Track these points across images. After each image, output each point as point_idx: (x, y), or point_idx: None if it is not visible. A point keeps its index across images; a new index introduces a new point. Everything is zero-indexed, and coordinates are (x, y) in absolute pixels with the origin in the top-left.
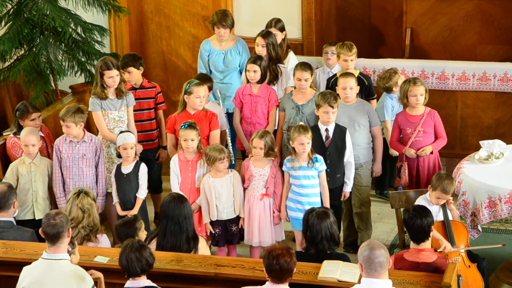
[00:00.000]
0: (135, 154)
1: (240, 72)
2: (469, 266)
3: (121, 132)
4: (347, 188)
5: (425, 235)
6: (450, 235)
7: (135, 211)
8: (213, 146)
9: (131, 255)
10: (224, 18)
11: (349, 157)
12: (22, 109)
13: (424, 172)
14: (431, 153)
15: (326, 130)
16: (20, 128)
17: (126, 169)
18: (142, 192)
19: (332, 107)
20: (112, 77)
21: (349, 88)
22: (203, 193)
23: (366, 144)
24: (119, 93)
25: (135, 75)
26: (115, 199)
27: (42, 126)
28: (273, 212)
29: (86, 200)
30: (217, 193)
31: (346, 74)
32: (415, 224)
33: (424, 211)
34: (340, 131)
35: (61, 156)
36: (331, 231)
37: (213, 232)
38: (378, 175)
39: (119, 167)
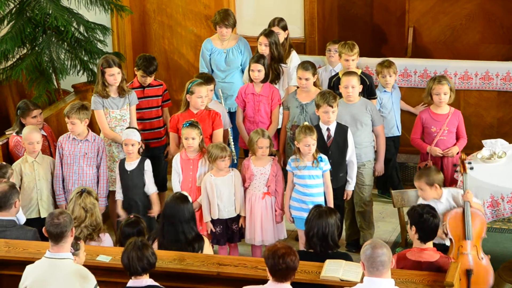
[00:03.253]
0: (139, 151)
1: (242, 71)
2: (483, 258)
3: (127, 128)
4: (350, 187)
5: (435, 235)
6: (468, 226)
7: (156, 209)
8: (215, 144)
9: (133, 254)
10: (226, 18)
11: (351, 155)
12: (23, 107)
13: (448, 171)
14: (457, 153)
15: (328, 129)
16: (22, 126)
17: (130, 165)
18: (152, 187)
19: (332, 106)
20: (113, 74)
21: (351, 86)
22: (204, 191)
23: (368, 143)
24: (121, 92)
25: (153, 78)
26: (118, 196)
27: (45, 125)
28: (275, 211)
29: (88, 199)
30: (218, 192)
31: (349, 73)
32: (433, 223)
33: (435, 211)
34: (341, 130)
35: (63, 153)
36: (324, 231)
37: (213, 230)
38: (380, 174)
39: (122, 163)
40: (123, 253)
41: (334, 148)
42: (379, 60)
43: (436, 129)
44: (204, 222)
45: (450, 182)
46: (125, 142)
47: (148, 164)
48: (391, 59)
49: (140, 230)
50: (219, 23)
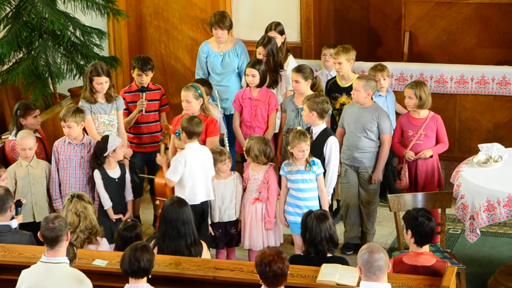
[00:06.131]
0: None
1: (238, 75)
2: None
3: (109, 134)
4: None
5: (431, 238)
6: None
7: (129, 213)
8: (213, 149)
9: (126, 253)
10: (221, 20)
11: (326, 165)
12: (23, 108)
13: (422, 175)
14: (431, 156)
15: (311, 130)
16: (21, 128)
17: (115, 173)
18: (131, 194)
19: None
20: (101, 83)
21: (356, 90)
22: None
23: (371, 149)
24: (109, 98)
25: (150, 78)
26: (108, 204)
27: (38, 128)
28: (265, 218)
29: (79, 204)
30: (220, 195)
31: (360, 77)
32: (428, 227)
33: (430, 214)
34: (324, 135)
35: (59, 158)
36: (330, 232)
37: (213, 234)
38: (376, 182)
39: (104, 171)
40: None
41: (312, 150)
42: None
43: (412, 133)
44: None
45: (422, 186)
46: (119, 146)
47: (127, 171)
48: (388, 63)
49: (137, 234)
50: (214, 24)
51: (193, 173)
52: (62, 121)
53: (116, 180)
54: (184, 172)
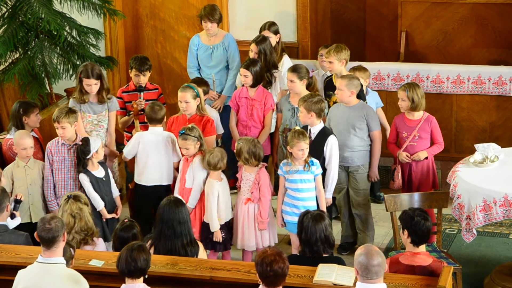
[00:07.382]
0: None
1: (227, 68)
2: None
3: (90, 138)
4: (326, 195)
5: (428, 238)
6: None
7: (120, 208)
8: (216, 151)
9: (123, 253)
10: (211, 12)
11: (327, 164)
12: (25, 106)
13: (416, 176)
14: (426, 158)
15: (309, 130)
16: (22, 126)
17: (100, 172)
18: (117, 189)
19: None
20: (90, 85)
21: (339, 89)
22: (215, 199)
23: (362, 147)
24: (100, 99)
25: (147, 78)
26: (101, 205)
27: (34, 128)
28: (257, 218)
29: (75, 205)
30: (226, 196)
31: (343, 76)
32: (425, 226)
33: (426, 213)
34: (323, 134)
35: (52, 159)
36: (326, 233)
37: (222, 236)
38: (375, 180)
39: (90, 174)
40: (120, 253)
41: (312, 149)
42: (372, 64)
43: (407, 134)
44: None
45: (417, 187)
46: (102, 145)
47: (107, 168)
48: (384, 63)
49: (135, 234)
50: (204, 17)
51: (145, 155)
52: (56, 122)
53: (104, 179)
54: (138, 153)
